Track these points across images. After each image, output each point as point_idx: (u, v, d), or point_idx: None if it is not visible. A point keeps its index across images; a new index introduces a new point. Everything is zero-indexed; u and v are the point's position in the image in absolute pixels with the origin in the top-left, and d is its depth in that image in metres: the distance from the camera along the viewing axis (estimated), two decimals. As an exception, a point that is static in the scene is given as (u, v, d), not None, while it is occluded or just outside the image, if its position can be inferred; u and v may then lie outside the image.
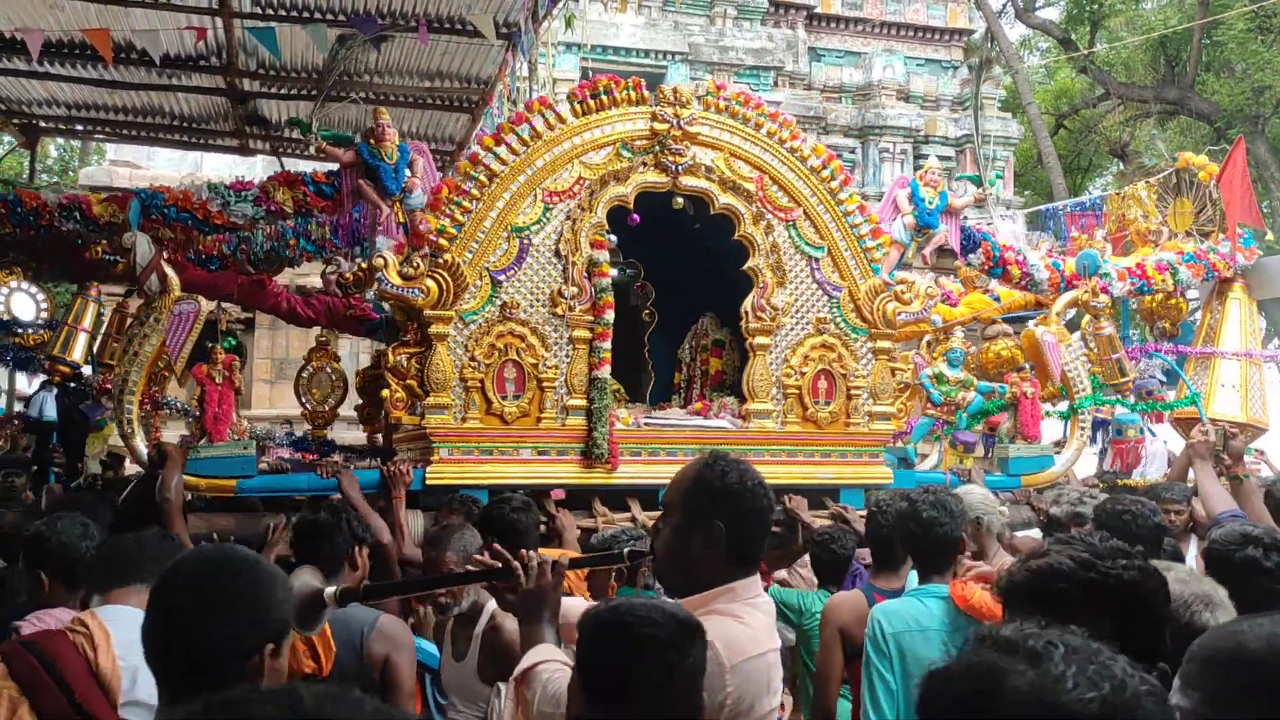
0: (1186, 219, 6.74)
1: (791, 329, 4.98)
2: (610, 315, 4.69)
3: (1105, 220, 6.78)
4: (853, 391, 5.02)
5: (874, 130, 15.40)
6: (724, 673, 1.89)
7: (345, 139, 4.67)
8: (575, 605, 2.51)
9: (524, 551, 2.20)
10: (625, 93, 4.81)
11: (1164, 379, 6.92)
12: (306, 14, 5.79)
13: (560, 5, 6.60)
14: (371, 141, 4.58)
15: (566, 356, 4.63)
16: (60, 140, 20.29)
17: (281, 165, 6.86)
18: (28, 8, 5.51)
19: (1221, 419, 6.55)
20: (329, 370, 5.11)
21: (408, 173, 4.61)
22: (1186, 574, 2.49)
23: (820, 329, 5.01)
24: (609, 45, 14.15)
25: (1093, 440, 6.66)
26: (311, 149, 5.03)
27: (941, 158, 15.71)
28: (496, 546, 2.30)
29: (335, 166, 4.71)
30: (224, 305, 5.31)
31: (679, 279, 6.00)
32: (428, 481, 4.39)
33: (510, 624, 2.69)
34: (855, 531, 4.73)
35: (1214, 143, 20.87)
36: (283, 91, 6.74)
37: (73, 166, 21.66)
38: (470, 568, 2.36)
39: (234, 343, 5.18)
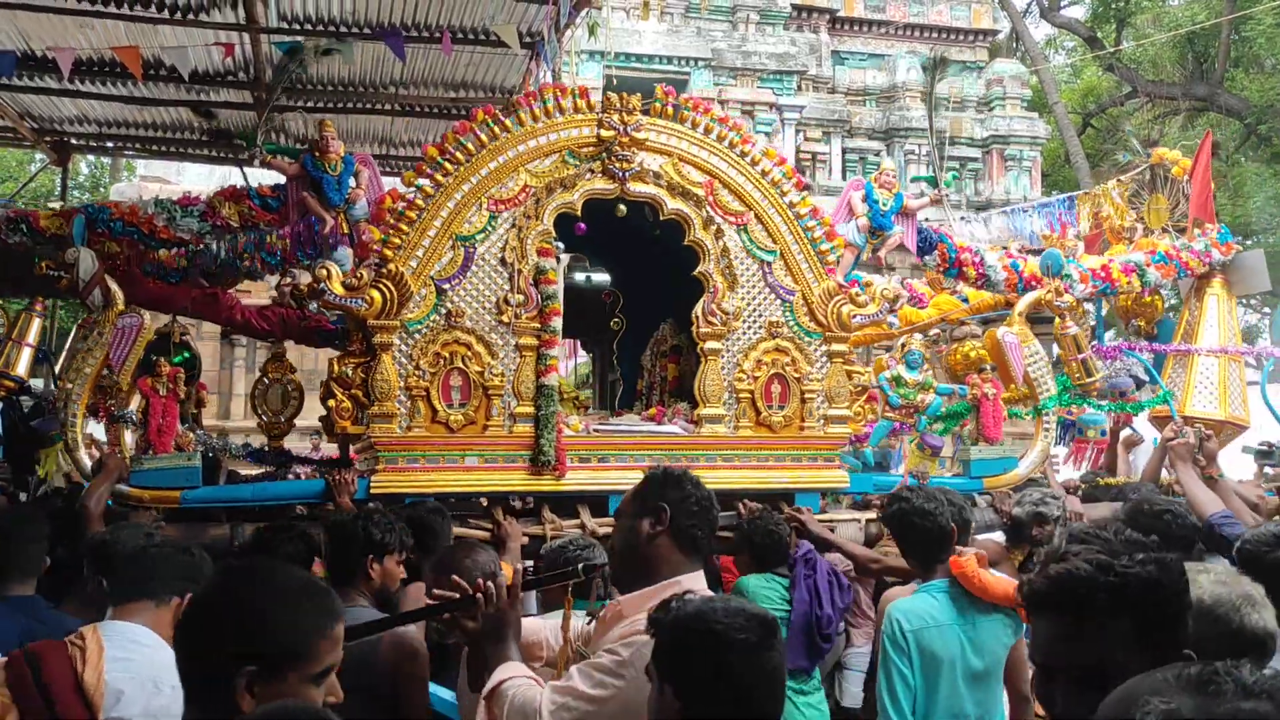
0: (1162, 215, 6.75)
1: (743, 333, 5.04)
2: (557, 322, 4.76)
3: (1078, 219, 6.76)
4: (807, 395, 5.06)
5: (898, 132, 15.52)
6: None
7: (290, 151, 4.77)
8: (534, 625, 2.72)
9: (481, 580, 2.35)
10: (572, 100, 4.87)
11: (1144, 378, 6.91)
12: (332, 28, 6.00)
13: (584, 14, 6.71)
14: (316, 153, 4.66)
15: (513, 364, 4.70)
16: (91, 157, 20.74)
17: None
18: (59, 27, 5.75)
19: (1200, 417, 6.54)
20: (285, 381, 5.20)
21: (352, 183, 4.68)
22: (1226, 574, 2.55)
23: (773, 333, 5.05)
24: (632, 52, 14.32)
25: (1060, 441, 6.67)
26: (256, 161, 5.10)
27: (968, 159, 15.78)
28: (455, 578, 2.43)
29: (282, 180, 4.79)
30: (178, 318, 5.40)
31: (649, 285, 6.06)
32: (372, 490, 4.45)
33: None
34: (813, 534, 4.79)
35: (1244, 139, 20.79)
36: (309, 105, 7.00)
37: (104, 183, 22.05)
38: (429, 601, 2.46)
39: (187, 355, 5.27)
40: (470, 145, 4.71)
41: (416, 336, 4.60)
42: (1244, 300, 8.96)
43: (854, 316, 5.16)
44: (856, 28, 17.06)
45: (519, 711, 2.16)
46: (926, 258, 5.55)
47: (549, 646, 2.72)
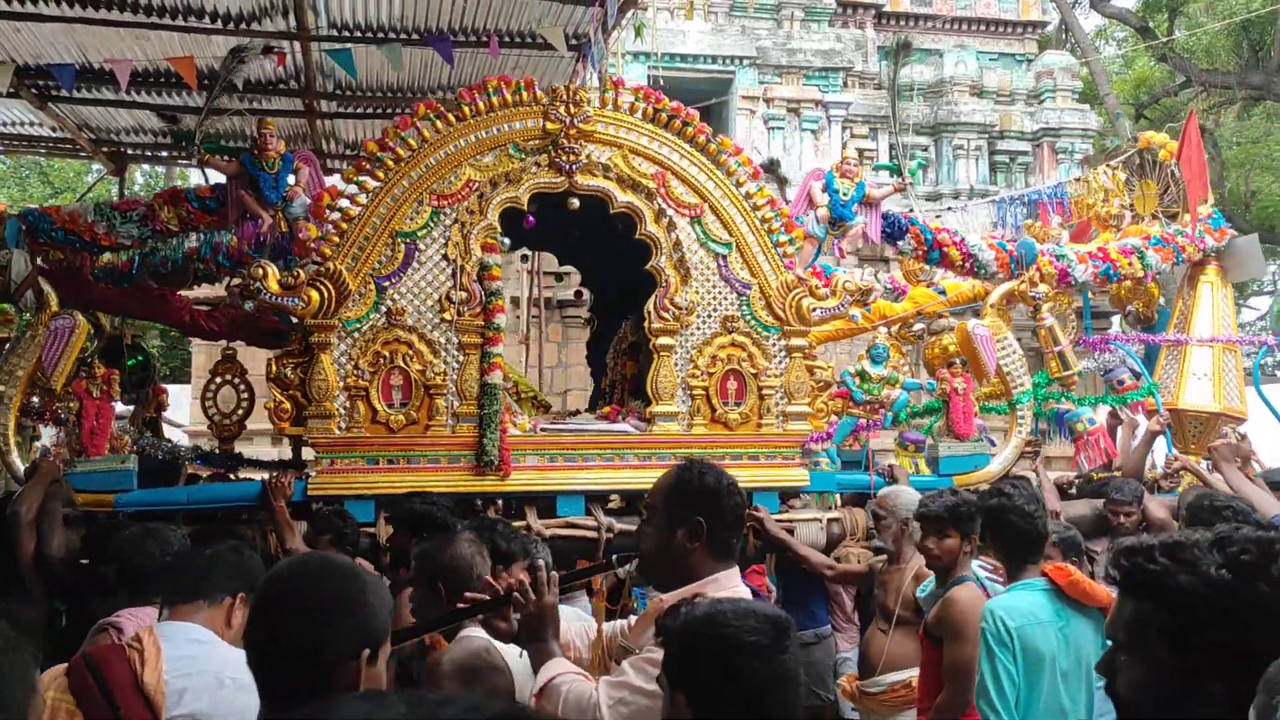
0: (1152, 201, 6.60)
1: (698, 328, 5.00)
2: (501, 319, 4.74)
3: (1073, 206, 6.63)
4: (764, 391, 5.00)
5: (947, 127, 15.54)
6: None
7: (230, 150, 4.79)
8: (561, 628, 2.65)
9: (521, 578, 2.43)
10: (517, 92, 4.84)
11: (1143, 369, 6.77)
12: (381, 34, 6.20)
13: (629, 15, 6.82)
14: (255, 152, 4.68)
15: (457, 363, 4.68)
16: (146, 167, 21.29)
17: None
18: (115, 39, 5.96)
19: (1193, 410, 6.40)
20: (236, 383, 5.22)
21: (292, 180, 4.68)
22: None
23: (729, 327, 5.01)
24: (676, 53, 14.46)
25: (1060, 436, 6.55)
26: (194, 161, 5.13)
27: (1018, 153, 15.70)
28: (487, 579, 2.54)
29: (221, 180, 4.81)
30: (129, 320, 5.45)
31: (619, 282, 6.02)
32: (309, 493, 4.46)
33: (450, 666, 2.78)
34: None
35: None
36: (358, 111, 7.28)
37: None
38: (460, 604, 2.54)
39: (141, 359, 5.32)
40: (412, 140, 4.71)
41: (356, 335, 4.61)
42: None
43: (814, 310, 5.09)
44: (903, 22, 17.04)
45: (575, 706, 2.21)
46: (900, 244, 5.46)
47: (576, 648, 2.75)
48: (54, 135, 7.65)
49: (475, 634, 2.97)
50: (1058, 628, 3.23)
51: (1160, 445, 6.42)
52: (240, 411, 5.21)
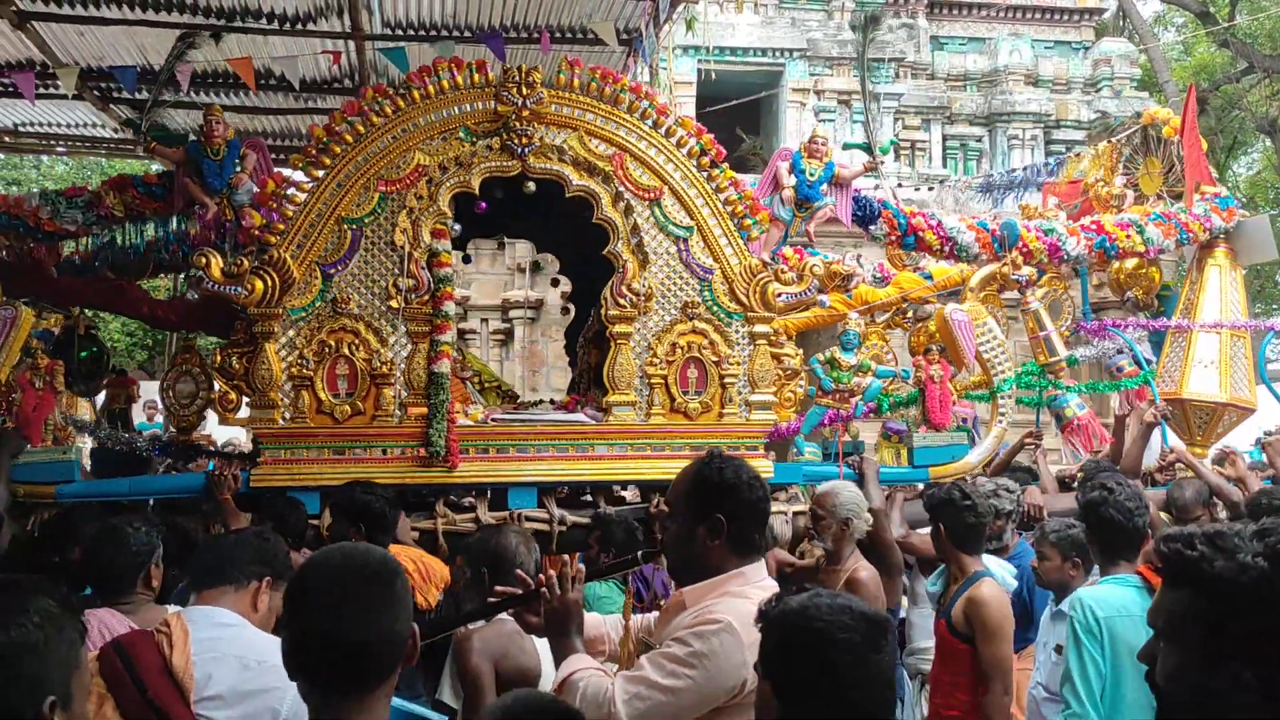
0: (1157, 180, 6.40)
1: (657, 315, 4.92)
2: (450, 307, 4.72)
3: (1051, 188, 6.45)
4: (727, 380, 4.94)
5: (1001, 117, 15.47)
6: (743, 649, 2.14)
7: (177, 138, 4.81)
8: (594, 619, 2.79)
9: (540, 576, 2.50)
10: (468, 74, 4.81)
11: (1150, 356, 6.57)
12: (434, 32, 6.40)
13: (680, 8, 6.93)
14: (202, 139, 4.70)
15: (404, 351, 4.66)
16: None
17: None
18: (175, 42, 6.22)
19: (1199, 400, 6.20)
20: (193, 373, 5.25)
21: (238, 168, 4.70)
22: None
23: (689, 314, 4.94)
24: (726, 46, 14.60)
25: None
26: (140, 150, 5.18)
27: (1074, 142, 15.48)
28: (520, 573, 2.61)
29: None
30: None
31: (596, 271, 5.97)
32: (253, 484, 4.47)
33: (479, 644, 2.98)
34: None
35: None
36: None
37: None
38: (491, 599, 2.61)
39: (94, 350, 5.37)
40: (360, 125, 4.69)
41: (301, 324, 4.61)
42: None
43: (779, 295, 5.00)
44: (956, 11, 16.92)
45: (591, 702, 2.23)
46: (871, 228, 5.35)
47: (610, 641, 2.78)
48: (115, 136, 7.91)
49: (509, 617, 3.07)
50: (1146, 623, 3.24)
51: (1156, 437, 6.24)
52: (200, 401, 5.24)
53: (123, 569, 2.94)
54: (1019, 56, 15.96)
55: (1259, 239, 6.33)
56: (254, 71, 5.74)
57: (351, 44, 6.18)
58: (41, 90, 6.67)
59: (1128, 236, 5.69)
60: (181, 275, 5.79)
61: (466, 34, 6.24)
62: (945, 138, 15.41)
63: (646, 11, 5.90)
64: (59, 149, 9.04)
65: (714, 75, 11.52)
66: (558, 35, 6.27)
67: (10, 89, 7.01)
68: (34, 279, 5.08)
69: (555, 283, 6.35)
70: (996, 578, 3.84)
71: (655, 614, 2.74)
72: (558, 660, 2.42)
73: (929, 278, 5.97)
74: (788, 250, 5.81)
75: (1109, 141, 6.52)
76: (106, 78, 6.46)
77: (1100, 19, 18.10)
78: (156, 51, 6.27)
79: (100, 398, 6.23)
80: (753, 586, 2.32)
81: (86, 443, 5.53)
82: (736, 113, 13.79)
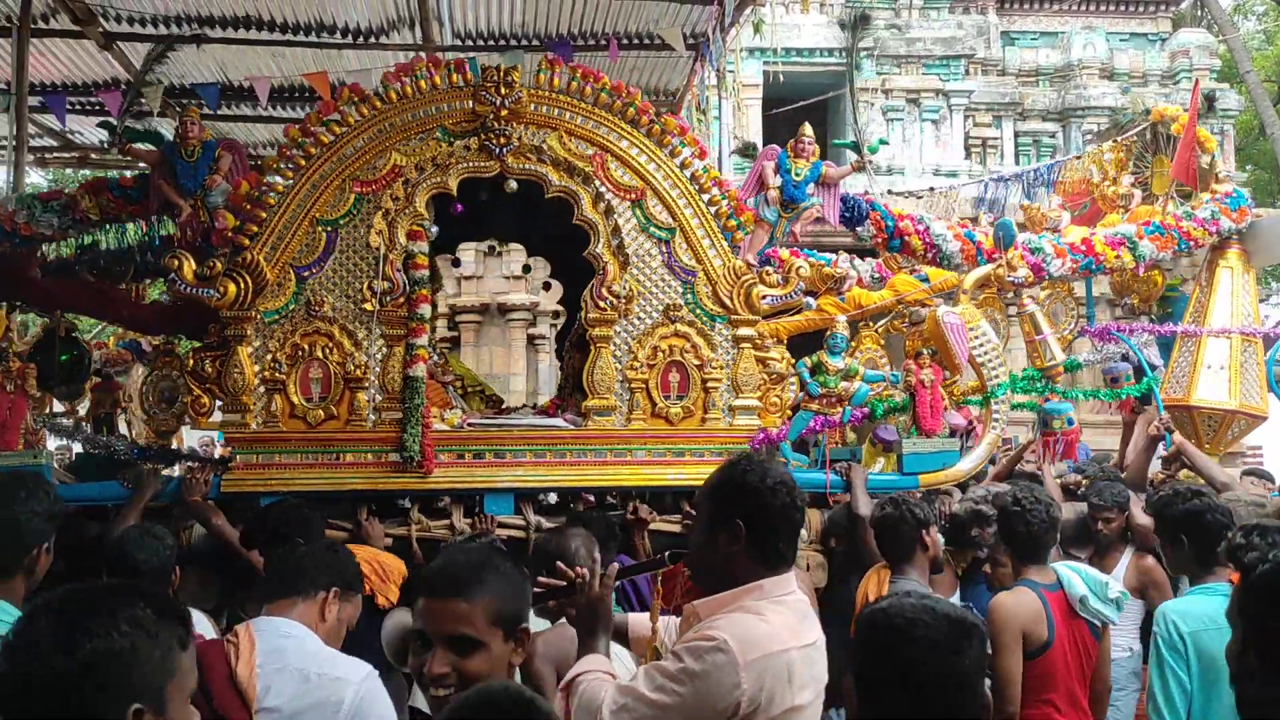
0: (1166, 179, 6.30)
1: (638, 318, 4.90)
2: (426, 309, 4.73)
3: (1059, 188, 6.37)
4: (709, 384, 4.91)
5: (1075, 112, 15.41)
6: (738, 671, 2.11)
7: (153, 138, 4.85)
8: (643, 620, 2.80)
9: (578, 567, 2.53)
10: (446, 74, 4.82)
11: (1158, 363, 6.46)
12: (503, 41, 6.66)
13: (747, 12, 7.08)
14: (178, 140, 4.74)
15: (380, 355, 4.67)
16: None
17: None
18: (253, 58, 6.64)
19: (1207, 407, 6.09)
20: (173, 377, 5.28)
21: (212, 170, 4.73)
22: None
23: (671, 317, 4.92)
24: (791, 47, 14.65)
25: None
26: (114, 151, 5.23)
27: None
28: (560, 565, 2.61)
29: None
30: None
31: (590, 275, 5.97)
32: (224, 489, 4.49)
33: (542, 647, 3.05)
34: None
35: None
36: None
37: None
38: (537, 589, 2.60)
39: (76, 353, 5.42)
40: (336, 126, 4.71)
41: (274, 327, 4.63)
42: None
43: (764, 297, 4.97)
44: (1027, 6, 16.87)
45: (584, 706, 2.25)
46: (859, 229, 5.30)
47: (663, 642, 2.76)
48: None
49: None
50: None
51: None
52: (180, 406, 5.26)
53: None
54: (1093, 50, 15.83)
55: (1274, 239, 6.22)
56: (329, 85, 5.90)
57: (424, 56, 6.30)
58: (127, 108, 6.94)
59: (1117, 256, 5.62)
60: (164, 279, 5.83)
61: (535, 43, 6.46)
62: (1017, 134, 15.34)
63: (713, 16, 5.97)
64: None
65: (781, 77, 11.57)
66: (625, 42, 6.43)
67: (98, 107, 7.33)
68: (15, 282, 5.13)
69: (546, 286, 6.33)
70: (1065, 583, 3.77)
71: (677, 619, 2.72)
72: (579, 656, 2.44)
73: (925, 280, 5.91)
74: (784, 252, 5.78)
75: (1115, 140, 6.43)
76: (190, 95, 6.72)
77: (1177, 9, 17.89)
78: (235, 68, 6.63)
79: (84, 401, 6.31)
80: (771, 601, 2.25)
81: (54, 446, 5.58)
82: (804, 114, 13.80)
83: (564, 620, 3.07)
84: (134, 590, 1.60)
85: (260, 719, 2.39)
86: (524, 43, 6.48)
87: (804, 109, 13.51)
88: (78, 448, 5.94)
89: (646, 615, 2.80)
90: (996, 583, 4.17)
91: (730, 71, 8.56)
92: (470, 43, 6.57)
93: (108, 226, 5.19)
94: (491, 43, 6.59)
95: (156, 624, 1.55)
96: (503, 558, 2.21)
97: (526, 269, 7.11)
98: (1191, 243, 6.03)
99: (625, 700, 2.19)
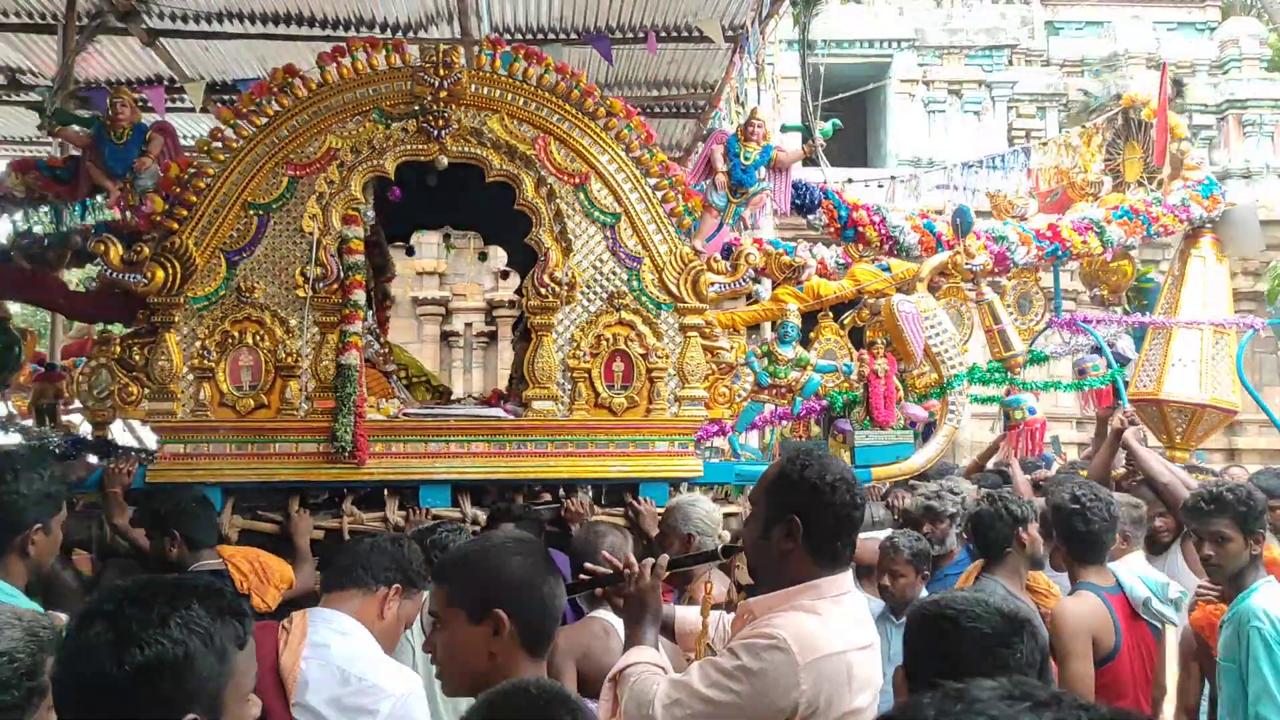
0: (1137, 166, 6.22)
1: (581, 306, 4.83)
2: (360, 296, 4.67)
3: (1032, 175, 6.29)
4: (654, 374, 4.84)
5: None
6: (796, 671, 2.09)
7: (84, 121, 4.79)
8: (692, 614, 2.80)
9: (629, 557, 2.55)
10: (384, 54, 4.75)
11: (1130, 355, 6.39)
12: (541, 35, 6.78)
13: (786, 3, 7.25)
14: (108, 122, 4.67)
15: (312, 342, 4.60)
16: None
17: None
18: (293, 52, 6.72)
19: (1177, 400, 6.01)
20: (110, 366, 5.21)
21: (145, 154, 4.67)
22: None
23: (615, 304, 4.85)
24: (831, 38, 14.62)
25: None
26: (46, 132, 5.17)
27: (1200, 127, 15.29)
28: (605, 554, 2.65)
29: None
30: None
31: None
32: (149, 480, 4.44)
33: (564, 643, 3.05)
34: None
35: None
36: None
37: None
38: (582, 576, 2.65)
39: (7, 341, 5.36)
40: (269, 107, 4.64)
41: (203, 313, 4.57)
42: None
43: (712, 285, 4.89)
44: None
45: (635, 699, 2.23)
46: (810, 217, 5.22)
47: (721, 638, 2.77)
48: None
49: (601, 614, 3.24)
50: None
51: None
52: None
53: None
54: (1140, 39, 15.79)
55: (1244, 228, 6.14)
56: None
57: (462, 50, 6.52)
58: (170, 104, 7.16)
59: (1084, 242, 5.54)
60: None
61: (573, 36, 6.59)
62: (1062, 125, 15.25)
63: (752, 7, 6.09)
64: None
65: (820, 69, 11.54)
66: (663, 34, 6.51)
67: (142, 103, 7.29)
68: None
69: (505, 275, 6.26)
70: (1126, 586, 3.72)
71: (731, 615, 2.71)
72: (626, 648, 2.43)
73: (887, 270, 5.82)
74: (746, 241, 5.70)
75: (1085, 126, 6.35)
76: (231, 90, 6.91)
77: (1225, -2, 17.89)
78: (276, 63, 6.71)
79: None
80: (827, 601, 2.22)
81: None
82: (843, 106, 13.71)
83: (589, 616, 3.22)
84: (191, 589, 1.55)
85: (297, 713, 2.38)
86: (562, 36, 6.62)
87: (844, 100, 13.47)
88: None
89: (695, 610, 2.81)
90: (897, 595, 4.12)
91: (769, 63, 8.61)
92: (509, 36, 6.70)
93: (44, 210, 5.15)
94: (529, 36, 6.69)
95: (212, 625, 1.51)
96: (488, 547, 2.19)
97: (483, 256, 7.02)
98: (1161, 228, 5.96)
99: (679, 695, 2.17)
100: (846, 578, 2.31)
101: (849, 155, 15.67)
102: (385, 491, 4.67)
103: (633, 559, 2.50)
